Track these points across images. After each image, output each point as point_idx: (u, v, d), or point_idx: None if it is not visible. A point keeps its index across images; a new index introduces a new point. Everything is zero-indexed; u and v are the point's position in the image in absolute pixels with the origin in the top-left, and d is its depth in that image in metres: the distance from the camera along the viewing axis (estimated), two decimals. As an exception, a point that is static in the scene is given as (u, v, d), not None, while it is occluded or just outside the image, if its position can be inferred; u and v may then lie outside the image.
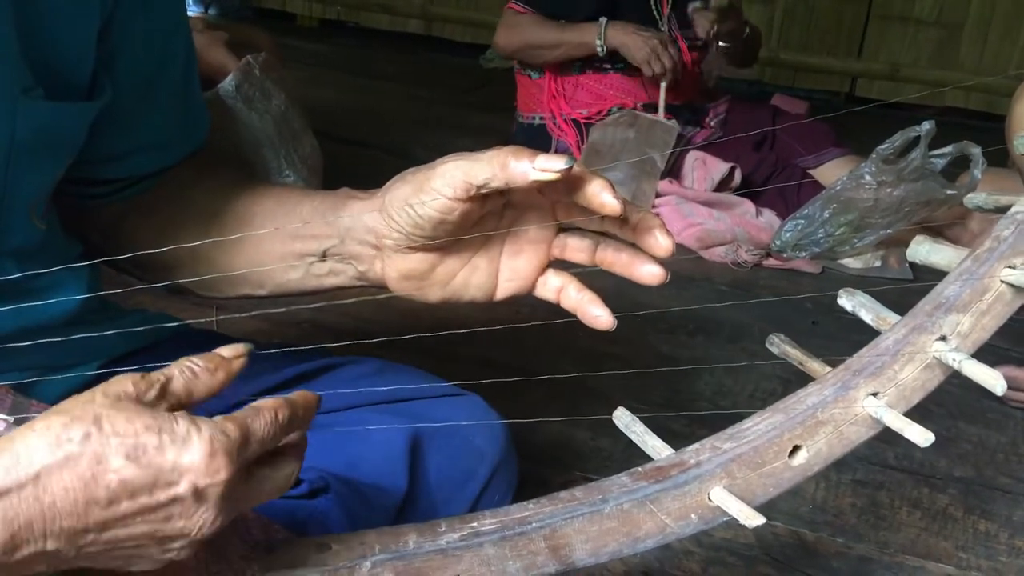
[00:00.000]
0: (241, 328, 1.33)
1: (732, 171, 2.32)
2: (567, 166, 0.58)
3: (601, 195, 0.60)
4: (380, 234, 0.67)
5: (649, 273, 0.64)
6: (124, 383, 0.49)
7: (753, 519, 0.53)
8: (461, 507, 0.83)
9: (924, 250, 0.57)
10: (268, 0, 4.64)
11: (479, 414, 0.87)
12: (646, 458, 0.61)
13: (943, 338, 0.53)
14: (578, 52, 2.41)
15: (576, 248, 0.67)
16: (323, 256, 0.73)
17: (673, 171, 2.38)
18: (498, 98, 3.48)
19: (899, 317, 0.56)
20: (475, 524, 0.58)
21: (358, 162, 2.53)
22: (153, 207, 0.81)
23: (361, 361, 0.90)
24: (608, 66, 2.45)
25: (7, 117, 0.65)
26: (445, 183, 0.61)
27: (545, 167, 0.58)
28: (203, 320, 0.86)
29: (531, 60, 2.48)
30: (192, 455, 0.47)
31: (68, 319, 0.74)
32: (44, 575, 0.48)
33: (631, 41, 2.33)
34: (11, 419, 0.55)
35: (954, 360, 0.51)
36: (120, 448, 0.46)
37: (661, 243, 0.63)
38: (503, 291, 0.69)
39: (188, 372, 0.52)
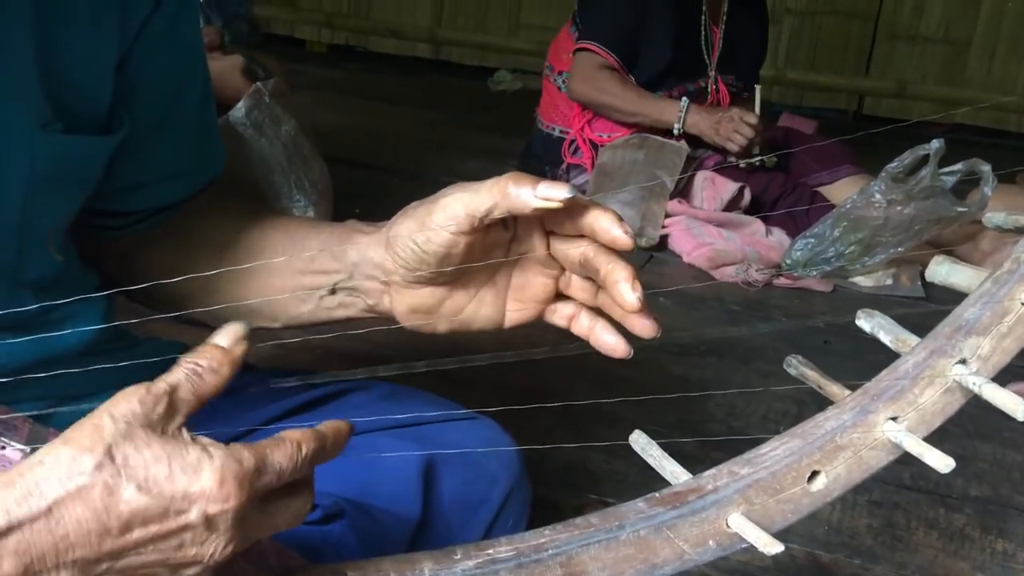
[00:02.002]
0: (255, 354, 1.33)
1: (741, 191, 2.32)
2: (570, 195, 0.57)
3: (612, 230, 0.59)
4: (387, 269, 0.67)
5: (641, 325, 0.62)
6: (131, 401, 0.48)
7: (772, 546, 0.52)
8: (475, 531, 0.82)
9: (943, 271, 0.56)
10: (277, 26, 4.68)
11: (492, 438, 0.87)
12: (660, 480, 0.61)
13: (963, 361, 0.52)
14: (653, 125, 2.43)
15: (579, 288, 0.67)
16: (332, 290, 0.73)
17: (683, 191, 2.39)
18: (506, 120, 3.50)
19: (918, 339, 0.55)
20: (491, 551, 0.58)
21: (368, 185, 2.54)
22: (166, 237, 0.82)
23: (372, 386, 0.90)
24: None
25: (26, 150, 0.65)
26: (447, 216, 0.61)
27: (547, 195, 0.57)
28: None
29: (601, 114, 2.49)
30: (203, 482, 0.47)
31: (84, 349, 0.74)
32: None
33: (708, 129, 2.36)
34: (27, 449, 0.55)
35: (974, 384, 0.50)
36: (131, 479, 0.46)
37: (627, 299, 0.60)
38: (511, 321, 0.68)
39: (193, 375, 0.50)
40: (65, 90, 0.67)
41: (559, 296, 0.68)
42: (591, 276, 0.64)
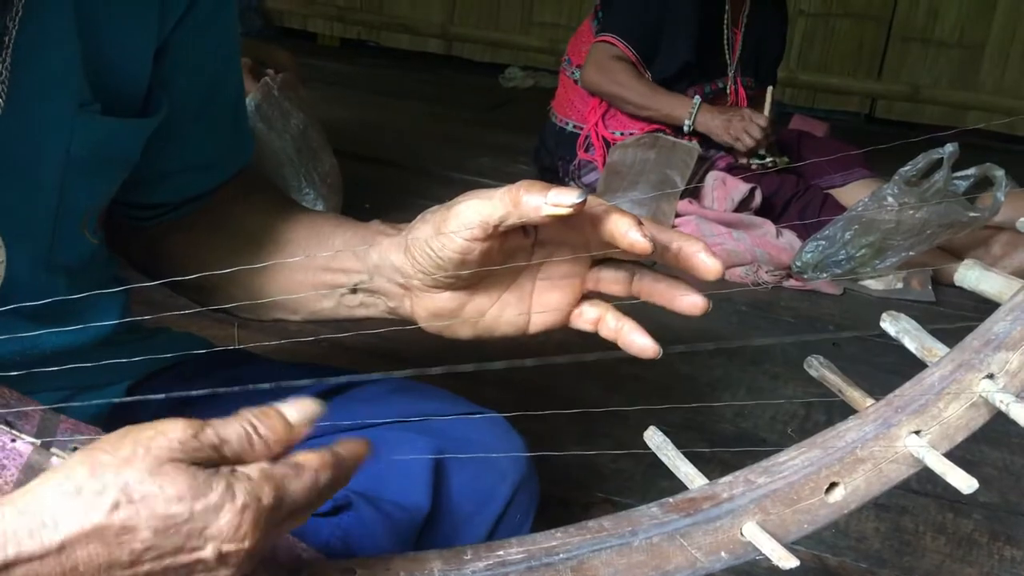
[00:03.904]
0: (264, 346, 1.33)
1: (752, 192, 2.31)
2: (580, 200, 0.57)
3: (629, 234, 0.59)
4: (405, 273, 0.67)
5: (691, 303, 0.63)
6: (172, 438, 0.47)
7: (786, 561, 0.52)
8: (483, 526, 0.82)
9: (973, 276, 0.55)
10: (289, 19, 4.68)
11: (501, 434, 0.87)
12: (667, 479, 0.60)
13: (991, 376, 0.52)
14: (664, 120, 2.42)
15: (611, 280, 0.66)
16: (353, 290, 0.73)
17: (693, 191, 2.38)
18: (517, 117, 3.49)
19: (945, 348, 0.54)
20: (501, 553, 0.57)
21: (379, 180, 2.54)
22: (194, 225, 0.83)
23: (381, 380, 0.90)
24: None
25: (64, 130, 0.66)
26: (461, 223, 0.61)
27: (557, 201, 0.57)
28: (229, 347, 0.86)
29: (612, 105, 2.49)
30: (220, 524, 0.46)
31: (101, 340, 0.75)
32: None
33: (719, 129, 2.36)
34: (38, 442, 0.55)
35: (1001, 402, 0.49)
36: (150, 520, 0.45)
37: (708, 265, 0.61)
38: (536, 326, 0.68)
39: (245, 440, 0.49)
40: (104, 72, 0.68)
41: (584, 299, 0.67)
42: (658, 255, 0.63)
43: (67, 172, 0.67)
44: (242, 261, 0.76)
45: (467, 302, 0.67)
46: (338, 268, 0.73)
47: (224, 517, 0.46)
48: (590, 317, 0.67)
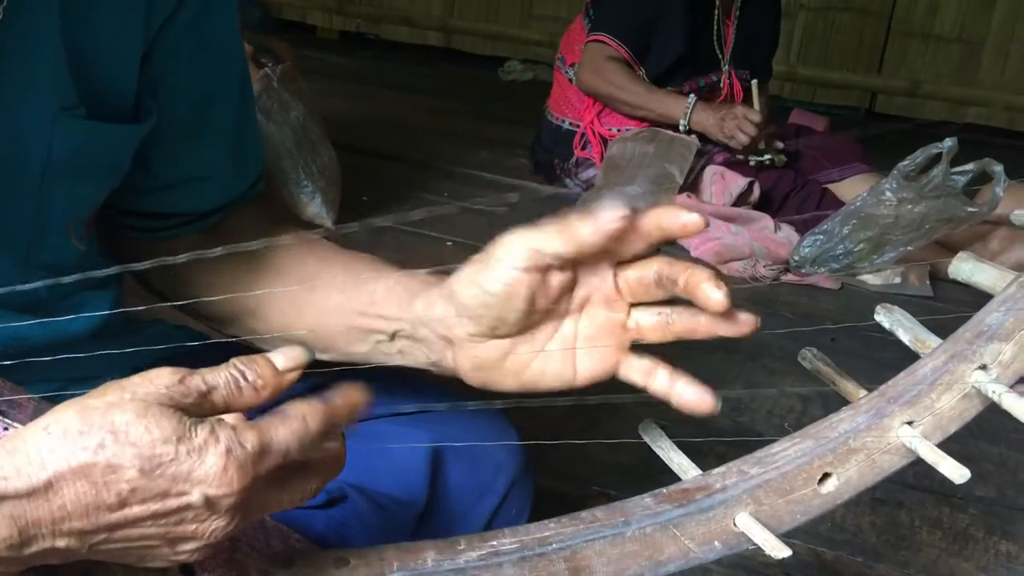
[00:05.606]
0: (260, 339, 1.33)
1: (751, 186, 2.31)
2: (627, 208, 0.57)
3: (680, 216, 0.58)
4: (448, 324, 0.64)
5: (742, 324, 0.61)
6: (159, 384, 0.48)
7: (779, 550, 0.52)
8: (480, 519, 0.82)
9: (967, 268, 0.55)
10: (289, 12, 4.67)
11: (497, 428, 0.87)
12: (665, 472, 0.61)
13: (983, 367, 0.52)
14: (659, 120, 2.43)
15: (649, 327, 0.63)
16: (392, 337, 0.71)
17: (692, 185, 2.38)
18: (517, 110, 3.49)
19: (938, 340, 0.54)
20: (494, 543, 0.58)
21: (377, 174, 2.53)
22: (211, 243, 0.81)
23: (376, 375, 0.90)
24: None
25: (44, 133, 0.65)
26: (508, 251, 0.59)
27: (614, 214, 0.56)
28: (223, 340, 0.86)
29: (608, 106, 2.49)
30: (206, 467, 0.47)
31: (93, 334, 0.74)
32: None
33: (712, 127, 2.36)
34: (30, 429, 0.55)
35: (994, 392, 0.49)
36: (135, 459, 0.46)
37: (713, 297, 0.58)
38: (583, 377, 0.65)
39: (233, 385, 0.50)
40: (91, 76, 0.67)
41: (632, 350, 0.65)
42: (670, 291, 0.61)
43: (47, 175, 0.67)
44: (268, 296, 0.75)
45: (509, 351, 0.64)
46: (376, 314, 0.71)
47: (209, 460, 0.47)
48: (641, 368, 0.63)
